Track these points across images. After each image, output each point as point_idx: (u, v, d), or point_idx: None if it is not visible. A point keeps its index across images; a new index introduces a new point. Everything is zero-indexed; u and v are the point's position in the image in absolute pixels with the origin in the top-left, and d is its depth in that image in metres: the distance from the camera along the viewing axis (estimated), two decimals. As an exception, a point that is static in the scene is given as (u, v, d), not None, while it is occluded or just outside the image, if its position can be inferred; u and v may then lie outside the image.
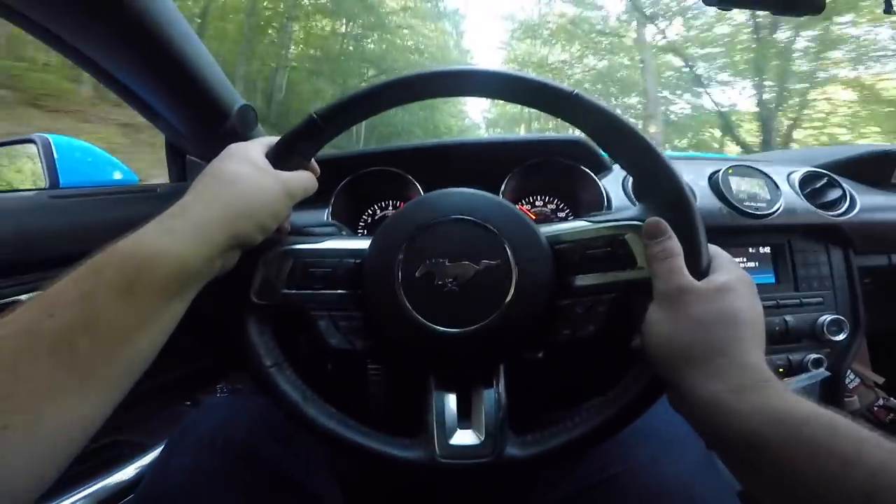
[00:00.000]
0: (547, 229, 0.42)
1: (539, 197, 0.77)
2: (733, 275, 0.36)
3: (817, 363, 0.75)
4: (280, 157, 0.41)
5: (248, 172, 0.38)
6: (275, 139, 0.43)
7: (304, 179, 0.42)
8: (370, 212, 0.77)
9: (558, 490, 0.48)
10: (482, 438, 0.39)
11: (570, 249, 0.41)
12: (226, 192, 0.36)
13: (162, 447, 0.48)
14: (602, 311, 0.41)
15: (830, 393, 0.78)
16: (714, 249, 0.39)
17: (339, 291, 0.43)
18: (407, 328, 0.40)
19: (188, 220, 0.34)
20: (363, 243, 0.43)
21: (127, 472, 0.70)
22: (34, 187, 0.66)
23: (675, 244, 0.37)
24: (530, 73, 0.41)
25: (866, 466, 0.25)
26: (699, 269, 0.37)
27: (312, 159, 0.45)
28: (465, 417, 0.41)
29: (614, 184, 0.75)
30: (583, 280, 0.41)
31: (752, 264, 0.79)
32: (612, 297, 0.40)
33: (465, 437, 0.40)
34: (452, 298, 0.40)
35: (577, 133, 0.77)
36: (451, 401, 0.42)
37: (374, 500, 0.66)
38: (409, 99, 0.42)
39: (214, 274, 0.37)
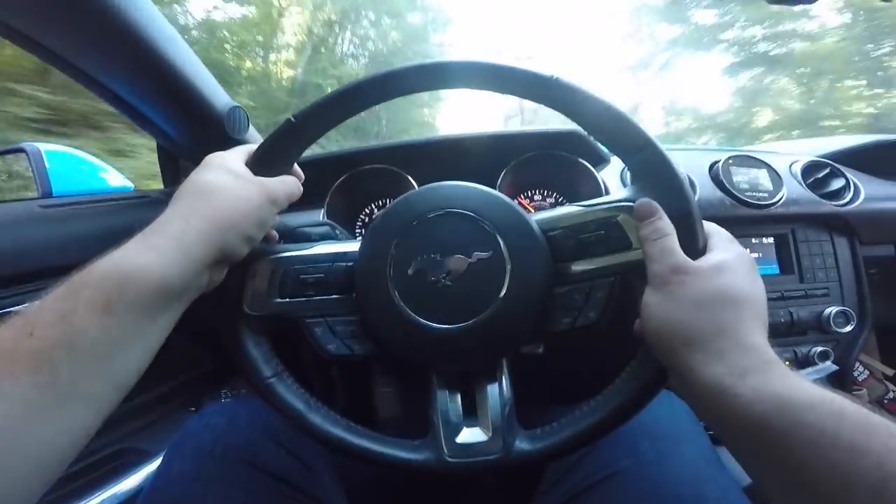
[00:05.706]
0: (538, 216, 0.41)
1: (538, 191, 0.76)
2: (731, 252, 0.34)
3: (824, 356, 0.74)
4: (260, 164, 0.40)
5: (226, 182, 0.37)
6: (254, 146, 0.42)
7: (287, 185, 0.41)
8: (367, 211, 0.77)
9: (564, 486, 0.47)
10: (490, 435, 0.39)
11: (563, 235, 0.40)
12: (205, 205, 0.35)
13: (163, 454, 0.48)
14: (601, 296, 0.39)
15: (838, 386, 0.76)
16: (711, 227, 0.38)
17: (333, 296, 0.42)
18: (404, 328, 0.39)
19: (168, 236, 0.33)
20: (353, 245, 0.43)
21: (133, 480, 0.69)
22: (24, 197, 0.65)
23: (666, 224, 0.36)
24: (508, 62, 0.39)
25: (875, 455, 0.23)
26: (695, 247, 0.36)
27: (296, 164, 0.44)
28: (472, 415, 0.41)
29: (613, 175, 0.74)
30: (579, 265, 0.40)
31: (754, 255, 0.78)
32: (611, 282, 0.39)
33: (472, 435, 0.39)
34: (447, 294, 0.39)
35: (572, 125, 0.76)
36: (456, 399, 0.41)
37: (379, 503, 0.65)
38: (387, 96, 0.40)
39: (202, 289, 0.36)
